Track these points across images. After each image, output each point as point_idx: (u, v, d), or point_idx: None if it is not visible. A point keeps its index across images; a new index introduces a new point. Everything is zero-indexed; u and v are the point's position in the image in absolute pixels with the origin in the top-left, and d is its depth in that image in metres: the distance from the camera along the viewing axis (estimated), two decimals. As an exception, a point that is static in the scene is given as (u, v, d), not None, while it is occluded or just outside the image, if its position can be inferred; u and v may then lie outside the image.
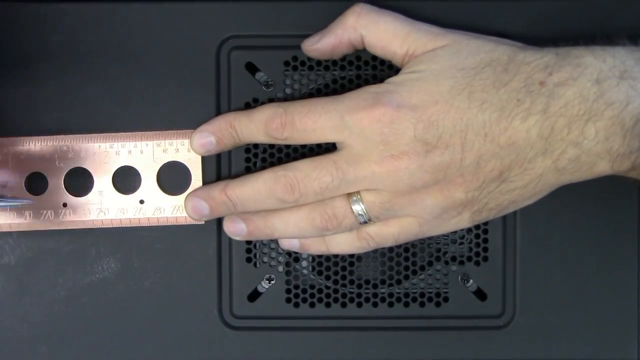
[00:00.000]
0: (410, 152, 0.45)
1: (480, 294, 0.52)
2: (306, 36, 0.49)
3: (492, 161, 0.45)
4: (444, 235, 0.52)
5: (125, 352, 0.51)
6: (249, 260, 0.52)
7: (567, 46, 0.46)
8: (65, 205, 0.50)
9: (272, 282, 0.52)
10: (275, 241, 0.52)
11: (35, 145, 0.50)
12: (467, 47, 0.46)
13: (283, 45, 0.50)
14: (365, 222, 0.48)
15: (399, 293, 0.52)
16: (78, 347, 0.51)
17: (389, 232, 0.48)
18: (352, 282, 0.52)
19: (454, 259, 0.52)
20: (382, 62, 0.50)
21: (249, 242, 0.52)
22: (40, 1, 0.50)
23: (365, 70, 0.51)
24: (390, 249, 0.52)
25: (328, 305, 0.52)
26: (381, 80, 0.48)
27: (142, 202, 0.51)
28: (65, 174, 0.50)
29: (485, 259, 0.52)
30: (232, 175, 0.51)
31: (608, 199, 0.51)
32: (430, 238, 0.52)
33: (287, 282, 0.52)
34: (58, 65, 0.50)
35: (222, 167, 0.51)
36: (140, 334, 0.51)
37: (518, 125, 0.45)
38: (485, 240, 0.52)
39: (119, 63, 0.50)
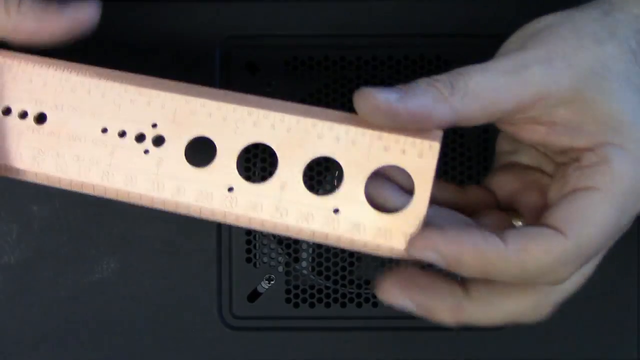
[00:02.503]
0: None
1: (480, 294, 0.52)
2: (306, 35, 0.49)
3: None
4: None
5: (125, 352, 0.51)
6: (248, 260, 0.52)
7: None
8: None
9: (272, 282, 0.52)
10: (276, 241, 0.52)
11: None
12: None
13: (283, 45, 0.50)
14: None
15: (398, 293, 0.52)
16: (78, 347, 0.51)
17: None
18: (351, 282, 0.52)
19: (453, 258, 0.52)
20: (382, 62, 0.51)
21: (248, 242, 0.52)
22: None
23: (365, 69, 0.51)
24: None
25: (328, 305, 0.52)
26: (381, 81, 0.48)
27: (336, 211, 0.38)
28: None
29: (485, 259, 0.51)
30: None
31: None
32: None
33: (287, 282, 0.52)
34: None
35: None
36: (140, 334, 0.51)
37: None
38: (485, 240, 0.51)
39: (118, 62, 0.50)
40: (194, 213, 0.39)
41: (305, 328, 0.52)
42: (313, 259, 0.52)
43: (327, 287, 0.52)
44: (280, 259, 0.52)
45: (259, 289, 0.52)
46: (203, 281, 0.51)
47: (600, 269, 0.51)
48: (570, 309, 0.51)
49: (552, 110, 0.38)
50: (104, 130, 0.40)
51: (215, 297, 0.51)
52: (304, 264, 0.52)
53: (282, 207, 0.38)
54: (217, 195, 0.38)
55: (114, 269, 0.51)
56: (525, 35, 0.40)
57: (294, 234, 0.38)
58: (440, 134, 0.37)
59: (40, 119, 0.41)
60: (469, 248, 0.37)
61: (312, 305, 0.52)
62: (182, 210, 0.39)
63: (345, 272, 0.52)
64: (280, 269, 0.52)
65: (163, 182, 0.39)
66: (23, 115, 0.41)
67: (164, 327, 0.51)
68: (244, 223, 0.39)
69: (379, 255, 0.38)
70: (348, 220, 0.37)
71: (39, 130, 0.41)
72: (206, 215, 0.39)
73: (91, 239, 0.51)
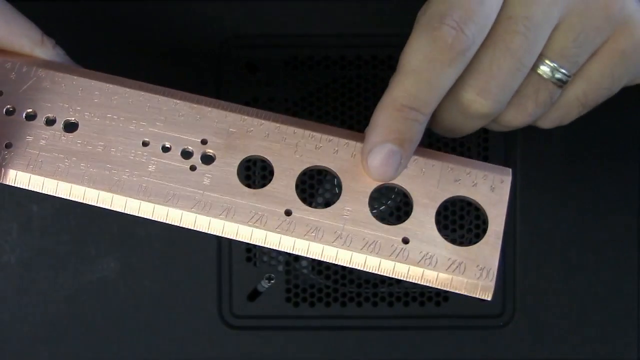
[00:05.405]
0: None
1: (480, 294, 0.52)
2: (306, 35, 0.49)
3: None
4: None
5: (125, 352, 0.51)
6: (248, 259, 0.52)
7: None
8: None
9: (272, 281, 0.52)
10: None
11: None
12: None
13: (283, 45, 0.50)
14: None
15: (398, 292, 0.52)
16: (78, 347, 0.51)
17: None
18: (351, 281, 0.52)
19: (453, 258, 0.52)
20: (382, 61, 0.51)
21: (248, 242, 0.52)
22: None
23: (365, 69, 0.51)
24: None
25: (328, 304, 0.52)
26: (382, 80, 0.48)
27: (405, 241, 0.36)
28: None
29: (485, 258, 0.52)
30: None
31: (608, 198, 0.51)
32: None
33: (287, 282, 0.52)
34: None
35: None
36: (140, 334, 0.51)
37: None
38: (485, 240, 0.52)
39: (118, 62, 0.50)
40: (243, 237, 0.36)
41: (305, 327, 0.52)
42: (313, 259, 0.52)
43: (327, 286, 0.52)
44: (280, 258, 0.52)
45: (259, 288, 0.52)
46: (203, 281, 0.51)
47: (601, 269, 0.51)
48: (570, 309, 0.51)
49: None
50: (145, 144, 0.37)
51: (215, 296, 0.51)
52: (304, 263, 0.52)
53: (346, 234, 0.36)
54: (272, 218, 0.36)
55: (114, 268, 0.51)
56: None
57: (357, 265, 0.36)
58: (509, 169, 0.37)
59: (70, 127, 0.38)
60: None
61: (312, 304, 0.52)
62: (229, 234, 0.36)
63: (345, 271, 0.52)
64: (280, 268, 0.52)
65: (210, 202, 0.36)
66: (51, 122, 0.38)
67: (164, 326, 0.51)
68: (301, 250, 0.37)
69: (449, 290, 0.36)
70: (418, 251, 0.36)
71: (68, 138, 0.38)
72: (257, 240, 0.36)
73: (91, 239, 0.51)
